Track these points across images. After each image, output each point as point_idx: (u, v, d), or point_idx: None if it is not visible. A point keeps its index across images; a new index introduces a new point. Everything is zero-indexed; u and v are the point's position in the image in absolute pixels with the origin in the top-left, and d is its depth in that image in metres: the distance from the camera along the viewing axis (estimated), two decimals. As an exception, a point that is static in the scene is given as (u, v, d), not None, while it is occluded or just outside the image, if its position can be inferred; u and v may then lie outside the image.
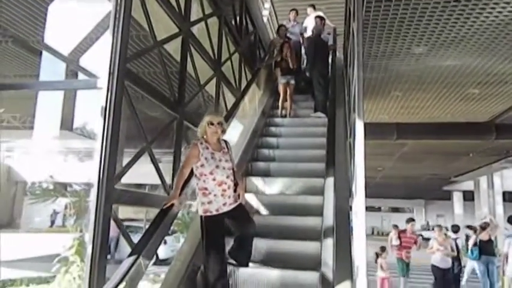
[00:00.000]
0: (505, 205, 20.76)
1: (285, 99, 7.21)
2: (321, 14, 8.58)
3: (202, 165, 3.29)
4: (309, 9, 9.35)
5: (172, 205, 3.28)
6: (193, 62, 4.37)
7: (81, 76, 7.70)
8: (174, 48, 4.21)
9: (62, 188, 8.85)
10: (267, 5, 9.74)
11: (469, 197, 24.09)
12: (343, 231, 3.18)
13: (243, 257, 3.57)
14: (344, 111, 5.87)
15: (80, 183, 12.68)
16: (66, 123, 10.84)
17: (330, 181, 3.86)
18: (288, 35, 8.24)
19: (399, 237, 9.90)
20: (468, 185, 23.40)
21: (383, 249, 9.43)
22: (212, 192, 3.31)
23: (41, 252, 12.81)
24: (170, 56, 4.39)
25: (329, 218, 3.39)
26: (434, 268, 9.19)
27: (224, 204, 3.34)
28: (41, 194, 8.74)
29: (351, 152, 4.62)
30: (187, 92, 4.23)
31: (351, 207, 3.61)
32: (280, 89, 7.27)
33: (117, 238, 13.91)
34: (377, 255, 9.37)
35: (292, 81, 7.24)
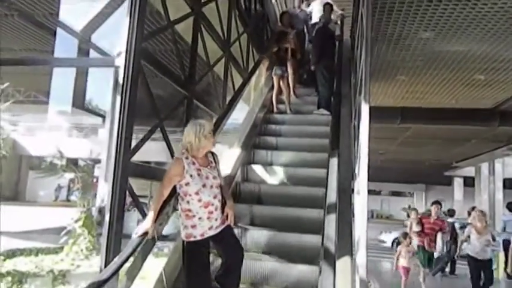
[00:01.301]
0: (505, 192, 20.92)
1: (279, 93, 6.80)
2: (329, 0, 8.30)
3: (187, 184, 2.85)
4: None
5: (146, 233, 2.77)
6: (204, 42, 4.46)
7: (92, 53, 7.76)
8: (183, 28, 4.28)
9: (69, 163, 9.04)
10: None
11: (469, 183, 24.26)
12: (346, 209, 3.32)
13: (232, 283, 3.16)
14: (349, 93, 5.86)
15: (86, 159, 12.88)
16: (77, 101, 10.95)
17: (334, 163, 3.97)
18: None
19: (421, 223, 8.70)
20: (469, 171, 23.54)
21: (405, 235, 8.35)
22: (197, 214, 2.90)
23: (47, 225, 13.12)
24: (180, 37, 4.48)
25: (332, 197, 3.51)
26: (471, 259, 7.76)
27: (210, 228, 2.95)
28: (48, 169, 8.95)
29: (355, 134, 4.76)
30: (198, 71, 4.34)
31: (352, 190, 3.76)
32: (275, 81, 6.81)
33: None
34: (398, 243, 8.70)
35: (286, 74, 6.77)
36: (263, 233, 3.86)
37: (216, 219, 2.97)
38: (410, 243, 8.23)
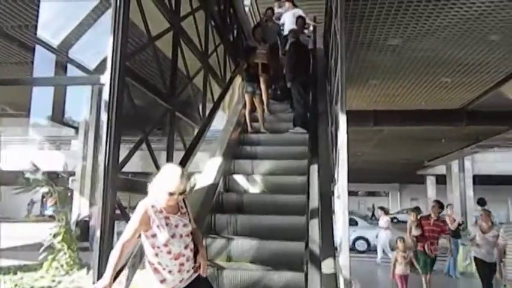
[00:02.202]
0: (475, 188, 21.71)
1: (252, 111, 6.46)
2: (301, 12, 8.23)
3: (154, 236, 2.53)
4: (287, 4, 8.78)
5: None
6: (183, 55, 4.56)
7: (70, 68, 7.72)
8: (162, 43, 4.35)
9: (45, 177, 8.89)
10: (248, -5, 9.87)
11: (441, 180, 25.00)
12: (327, 213, 3.48)
13: None
14: (326, 109, 5.80)
15: (61, 172, 12.65)
16: (57, 114, 10.80)
17: (315, 169, 4.12)
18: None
19: (420, 225, 7.76)
20: (441, 169, 24.29)
21: (401, 239, 7.63)
22: (167, 268, 2.58)
23: (23, 241, 12.78)
24: (161, 52, 4.56)
25: (314, 200, 3.65)
26: (479, 261, 7.24)
27: (181, 281, 2.64)
28: (25, 184, 8.76)
29: (332, 139, 4.95)
30: (178, 84, 4.43)
31: (332, 192, 3.93)
32: (246, 99, 6.47)
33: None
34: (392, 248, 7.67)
35: (259, 91, 6.46)
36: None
37: (188, 271, 2.66)
38: (409, 248, 7.51)
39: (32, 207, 27.25)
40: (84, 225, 11.27)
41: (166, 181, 2.53)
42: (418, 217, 8.08)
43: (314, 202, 3.51)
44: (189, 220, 2.72)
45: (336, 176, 3.69)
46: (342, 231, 2.68)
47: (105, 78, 3.00)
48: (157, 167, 3.83)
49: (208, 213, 4.26)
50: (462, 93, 10.49)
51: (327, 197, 3.67)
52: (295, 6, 8.72)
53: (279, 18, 8.64)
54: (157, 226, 2.52)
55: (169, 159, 4.04)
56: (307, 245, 3.47)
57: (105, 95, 2.97)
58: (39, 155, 18.76)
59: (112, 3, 3.06)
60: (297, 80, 6.36)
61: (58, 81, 4.27)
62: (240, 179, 5.02)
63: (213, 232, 4.22)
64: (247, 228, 4.14)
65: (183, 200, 2.70)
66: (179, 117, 4.41)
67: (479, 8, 6.21)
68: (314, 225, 3.22)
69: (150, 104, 3.99)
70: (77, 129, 16.94)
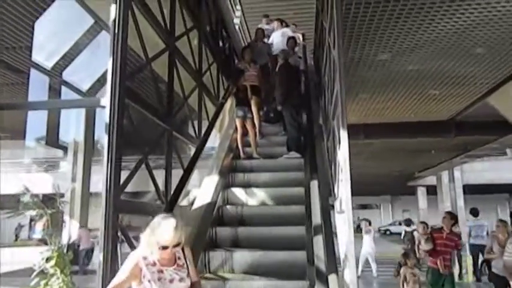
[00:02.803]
0: (465, 198, 21.89)
1: (244, 135, 6.27)
2: (290, 32, 8.18)
3: None
4: (276, 23, 8.83)
5: None
6: (179, 75, 4.59)
7: (64, 90, 7.70)
8: (157, 64, 4.37)
9: (38, 200, 8.71)
10: (238, 13, 10.02)
11: (432, 191, 25.18)
12: (329, 228, 3.48)
13: None
14: (321, 132, 5.77)
15: (51, 194, 12.45)
16: (51, 137, 10.69)
17: (315, 184, 4.13)
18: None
19: (432, 239, 6.89)
20: (431, 180, 24.48)
21: (406, 255, 6.75)
22: None
23: (12, 267, 12.45)
24: (157, 73, 4.59)
25: (317, 216, 3.65)
26: (494, 276, 6.79)
27: None
28: (21, 207, 8.58)
29: (329, 153, 4.98)
30: (175, 104, 4.45)
31: (332, 206, 3.94)
32: (237, 123, 6.27)
33: (89, 249, 13.77)
34: (399, 264, 6.84)
35: (250, 115, 6.27)
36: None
37: None
38: (414, 264, 6.68)
39: (20, 231, 26.68)
40: (76, 249, 11.07)
41: (158, 234, 2.29)
42: (429, 230, 7.59)
43: (316, 218, 3.51)
44: (187, 273, 2.45)
45: (336, 190, 3.71)
46: (347, 247, 2.68)
47: (106, 100, 3.00)
48: (157, 188, 3.83)
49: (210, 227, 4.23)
50: (450, 104, 10.66)
51: (327, 212, 3.67)
52: (284, 25, 8.74)
53: (268, 36, 8.63)
54: (149, 281, 2.29)
55: (167, 178, 4.03)
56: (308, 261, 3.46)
57: (106, 117, 2.96)
58: (30, 177, 18.47)
59: (110, 27, 3.09)
60: (289, 103, 6.17)
61: (57, 104, 4.25)
62: (233, 210, 4.79)
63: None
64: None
65: (182, 249, 2.46)
66: (176, 136, 4.42)
67: (465, 22, 6.37)
68: (318, 242, 3.22)
69: (147, 125, 3.98)
70: (65, 150, 16.74)
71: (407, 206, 36.33)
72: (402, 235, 11.84)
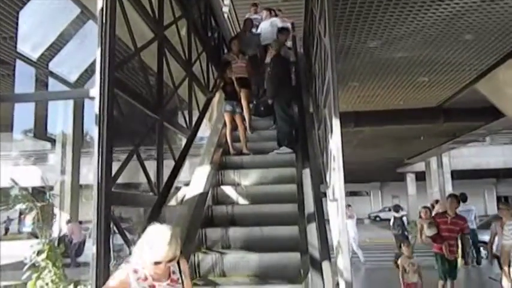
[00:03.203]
0: (453, 183, 22.25)
1: (233, 129, 6.02)
2: (279, 22, 7.83)
3: None
4: (265, 13, 8.58)
5: None
6: (168, 65, 4.54)
7: (51, 81, 7.57)
8: (147, 54, 4.31)
9: (28, 193, 8.62)
10: (227, 1, 9.91)
11: (421, 177, 25.54)
12: (321, 216, 3.50)
13: None
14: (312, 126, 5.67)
15: (40, 187, 12.32)
16: (39, 130, 10.54)
17: (307, 172, 4.13)
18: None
19: (436, 224, 6.52)
20: (420, 166, 24.83)
21: (406, 244, 6.71)
22: None
23: (2, 261, 12.35)
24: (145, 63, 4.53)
25: (310, 205, 3.65)
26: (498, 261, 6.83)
27: None
28: (11, 200, 8.50)
29: (320, 142, 4.99)
30: (165, 94, 4.41)
31: (324, 193, 3.96)
32: (226, 118, 6.03)
33: (80, 243, 13.71)
34: (396, 255, 6.72)
35: (239, 110, 5.99)
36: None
37: None
38: (411, 252, 6.55)
39: (10, 224, 26.45)
40: (67, 241, 11.02)
41: (151, 248, 2.07)
42: (432, 214, 7.31)
43: (310, 207, 3.53)
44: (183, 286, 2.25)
45: (328, 179, 3.73)
46: (340, 235, 2.70)
47: (95, 91, 2.95)
48: (149, 179, 3.81)
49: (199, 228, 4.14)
50: (439, 91, 10.75)
51: (319, 200, 3.70)
52: (273, 14, 8.48)
53: (256, 26, 8.39)
54: None
55: (159, 168, 4.01)
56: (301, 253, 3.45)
57: (96, 109, 2.92)
58: (18, 170, 18.26)
59: (98, 17, 3.03)
60: (281, 96, 5.91)
61: (45, 96, 4.17)
62: (223, 209, 4.61)
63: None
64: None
65: (178, 262, 2.25)
66: (167, 127, 4.38)
67: (454, 9, 6.38)
68: (312, 230, 3.24)
69: (138, 115, 3.95)
70: (53, 142, 16.53)
71: (396, 192, 36.76)
72: (391, 221, 11.92)
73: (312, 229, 3.24)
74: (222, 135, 6.21)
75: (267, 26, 7.93)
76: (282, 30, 6.92)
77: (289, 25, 8.18)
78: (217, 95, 6.47)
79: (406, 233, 11.65)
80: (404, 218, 11.77)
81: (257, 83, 6.82)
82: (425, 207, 8.34)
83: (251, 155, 5.81)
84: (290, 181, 4.89)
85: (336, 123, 2.84)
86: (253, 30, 8.23)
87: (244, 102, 6.15)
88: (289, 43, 8.00)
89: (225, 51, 8.18)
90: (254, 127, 6.52)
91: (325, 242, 3.20)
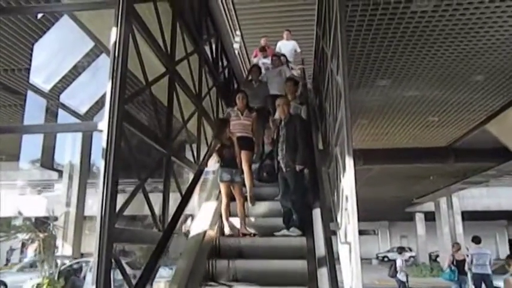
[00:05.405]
0: (464, 224, 21.71)
1: (229, 206, 4.76)
2: (287, 70, 6.94)
3: None
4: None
5: None
6: (179, 99, 4.53)
7: (61, 113, 7.64)
8: (156, 88, 4.30)
9: (31, 224, 8.54)
10: (238, 38, 10.08)
11: (430, 217, 25.02)
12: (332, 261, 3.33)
13: None
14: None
15: (45, 218, 12.23)
16: (46, 160, 10.60)
17: (317, 212, 3.93)
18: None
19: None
20: (429, 206, 24.36)
21: None
22: None
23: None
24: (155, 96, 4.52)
25: (321, 249, 3.45)
26: None
27: None
28: (13, 230, 8.42)
29: (330, 180, 4.87)
30: (174, 128, 4.37)
31: (333, 232, 3.80)
32: (222, 190, 4.79)
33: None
34: None
35: (238, 179, 4.80)
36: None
37: None
38: None
39: (11, 254, 26.14)
40: (67, 274, 10.78)
41: None
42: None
43: (320, 249, 3.37)
44: None
45: (339, 219, 3.59)
46: (354, 281, 2.54)
47: (103, 124, 2.90)
48: (153, 214, 3.69)
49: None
50: (449, 131, 10.67)
51: (330, 242, 3.54)
52: (282, 61, 7.37)
53: (267, 68, 7.45)
54: None
55: (165, 204, 3.91)
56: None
57: (103, 142, 2.86)
58: (23, 199, 18.22)
59: (111, 50, 3.03)
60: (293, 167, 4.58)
61: (54, 128, 4.13)
62: None
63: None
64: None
65: None
66: (174, 161, 4.31)
67: (464, 50, 6.41)
68: (323, 274, 3.06)
69: (145, 149, 3.89)
70: (60, 172, 16.54)
71: (405, 232, 35.99)
72: (398, 264, 11.31)
73: (323, 275, 3.04)
74: (216, 213, 4.91)
75: (275, 75, 6.89)
76: (287, 81, 5.94)
77: (298, 71, 7.92)
78: (211, 161, 5.12)
79: (398, 276, 11.10)
80: (398, 261, 11.27)
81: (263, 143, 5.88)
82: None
83: (252, 236, 4.61)
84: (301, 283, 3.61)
85: (350, 163, 2.74)
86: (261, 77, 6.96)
87: (245, 167, 5.13)
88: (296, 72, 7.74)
89: (235, 86, 8.22)
90: (256, 195, 5.23)
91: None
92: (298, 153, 4.47)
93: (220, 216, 4.84)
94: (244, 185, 5.00)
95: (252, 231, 4.68)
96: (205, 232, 4.29)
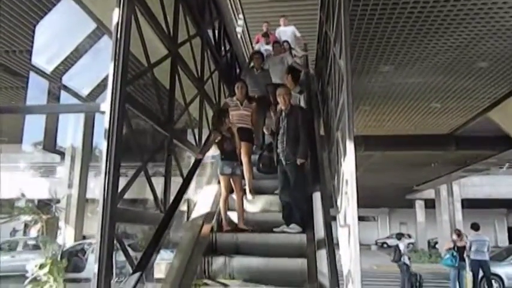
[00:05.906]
0: (463, 212, 21.82)
1: (227, 199, 4.57)
2: (289, 58, 6.68)
3: None
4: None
5: None
6: (181, 82, 4.52)
7: (63, 95, 7.63)
8: (158, 70, 4.28)
9: (34, 205, 8.62)
10: (240, 21, 9.99)
11: (430, 204, 25.13)
12: (331, 243, 3.37)
13: None
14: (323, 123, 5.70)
15: (47, 199, 12.33)
16: (48, 142, 10.62)
17: (318, 197, 3.94)
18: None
19: None
20: (429, 193, 24.45)
21: None
22: None
23: (4, 273, 12.25)
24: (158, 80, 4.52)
25: (320, 232, 3.49)
26: None
27: None
28: (16, 211, 8.49)
29: (330, 165, 4.89)
30: (175, 111, 4.38)
31: (333, 217, 3.84)
32: (221, 183, 4.60)
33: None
34: None
35: (239, 172, 4.64)
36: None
37: None
38: None
39: (14, 235, 26.43)
40: (70, 255, 10.92)
41: None
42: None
43: (320, 233, 3.40)
44: None
45: (338, 203, 3.63)
46: (352, 263, 2.59)
47: (106, 106, 2.92)
48: (155, 196, 3.73)
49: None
50: (451, 118, 10.65)
51: (329, 227, 3.57)
52: (286, 47, 7.19)
53: (269, 55, 7.11)
54: None
55: (167, 186, 3.94)
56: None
57: (105, 123, 2.88)
58: (26, 182, 18.32)
59: (113, 32, 3.02)
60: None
61: (56, 109, 4.15)
62: None
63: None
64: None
65: None
66: (176, 144, 4.33)
67: (468, 36, 6.36)
68: (322, 257, 3.10)
69: (147, 131, 3.91)
70: (63, 155, 16.60)
71: (404, 219, 36.16)
72: (401, 248, 11.46)
73: (322, 257, 3.08)
74: (215, 207, 4.76)
75: (276, 63, 6.64)
76: (292, 71, 5.46)
77: (299, 58, 7.66)
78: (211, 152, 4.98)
79: (402, 259, 11.23)
80: (401, 246, 11.37)
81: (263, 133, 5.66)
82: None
83: (250, 232, 4.48)
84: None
85: (350, 147, 2.76)
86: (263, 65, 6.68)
87: (244, 158, 4.98)
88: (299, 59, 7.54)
89: (237, 71, 8.18)
90: (255, 187, 5.08)
91: (335, 270, 3.06)
92: (300, 146, 4.31)
93: (219, 209, 4.69)
94: (243, 177, 4.85)
95: (250, 227, 4.56)
96: (201, 227, 4.16)
